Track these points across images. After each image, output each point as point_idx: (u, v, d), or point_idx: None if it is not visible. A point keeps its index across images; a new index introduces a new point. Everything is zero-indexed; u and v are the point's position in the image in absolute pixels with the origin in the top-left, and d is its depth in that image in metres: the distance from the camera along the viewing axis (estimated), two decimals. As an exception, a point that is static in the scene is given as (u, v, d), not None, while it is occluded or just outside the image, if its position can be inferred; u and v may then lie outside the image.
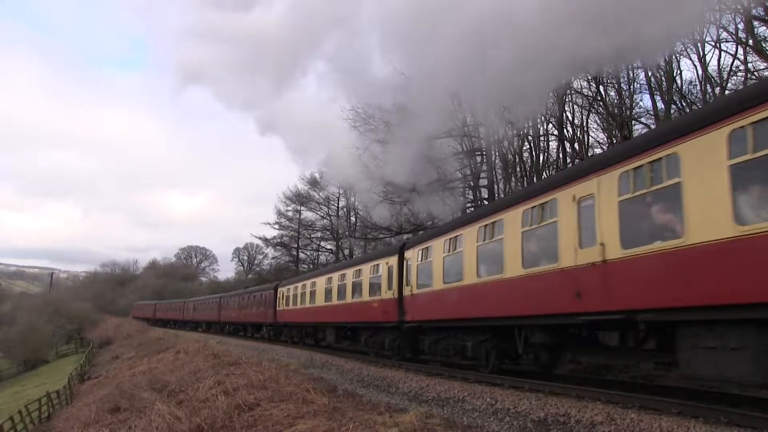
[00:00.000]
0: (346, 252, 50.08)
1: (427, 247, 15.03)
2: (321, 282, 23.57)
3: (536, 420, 8.37)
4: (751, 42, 19.62)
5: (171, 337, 38.20)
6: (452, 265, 13.47)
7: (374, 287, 18.32)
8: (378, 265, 18.28)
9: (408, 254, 16.30)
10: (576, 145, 27.08)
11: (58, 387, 29.52)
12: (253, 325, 36.03)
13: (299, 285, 26.88)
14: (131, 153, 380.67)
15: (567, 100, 26.37)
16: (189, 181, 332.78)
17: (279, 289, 30.48)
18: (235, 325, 40.82)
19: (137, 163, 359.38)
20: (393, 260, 17.17)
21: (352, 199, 49.17)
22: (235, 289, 50.87)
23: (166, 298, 71.99)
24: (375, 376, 14.19)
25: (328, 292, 22.50)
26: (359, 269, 19.84)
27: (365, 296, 18.93)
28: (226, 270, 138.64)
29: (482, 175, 28.14)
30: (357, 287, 19.75)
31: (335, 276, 22.16)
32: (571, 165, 24.45)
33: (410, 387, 12.18)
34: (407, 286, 15.97)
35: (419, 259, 15.43)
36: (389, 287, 17.12)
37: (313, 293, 24.49)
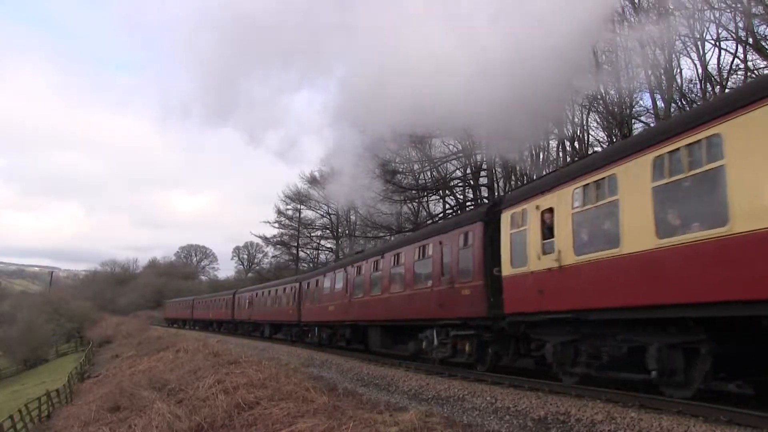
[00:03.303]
0: (347, 251, 50.02)
1: None
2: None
3: (536, 419, 8.36)
4: (751, 40, 19.61)
5: (171, 336, 38.16)
6: None
7: None
8: None
9: None
10: (576, 144, 27.07)
11: (58, 386, 29.42)
12: (402, 326, 16.42)
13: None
14: (134, 153, 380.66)
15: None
16: (191, 181, 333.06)
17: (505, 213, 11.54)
18: (342, 327, 20.80)
19: (140, 164, 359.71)
20: None
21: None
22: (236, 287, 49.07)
23: (167, 297, 71.43)
24: (375, 374, 14.18)
25: None
26: None
27: None
28: (226, 269, 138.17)
29: (482, 173, 28.16)
30: None
31: None
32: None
33: (410, 386, 12.18)
34: None
35: None
36: None
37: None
